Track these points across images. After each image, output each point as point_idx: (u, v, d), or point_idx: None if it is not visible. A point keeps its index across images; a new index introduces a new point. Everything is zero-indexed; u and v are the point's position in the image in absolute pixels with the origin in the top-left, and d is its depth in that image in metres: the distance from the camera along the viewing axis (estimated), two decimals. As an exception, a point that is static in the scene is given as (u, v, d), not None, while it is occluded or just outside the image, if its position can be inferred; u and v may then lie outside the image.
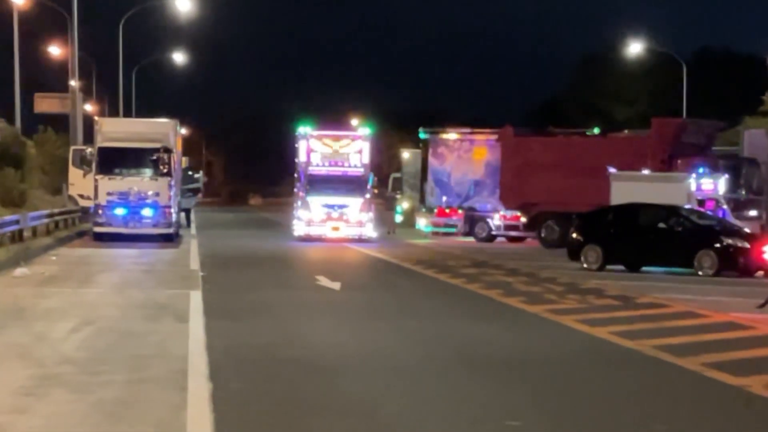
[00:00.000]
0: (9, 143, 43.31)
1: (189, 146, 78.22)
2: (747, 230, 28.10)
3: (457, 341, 15.14)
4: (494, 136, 40.13)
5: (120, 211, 35.55)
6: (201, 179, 55.59)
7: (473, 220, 40.76)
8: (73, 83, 52.73)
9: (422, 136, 42.64)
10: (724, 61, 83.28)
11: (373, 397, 11.29)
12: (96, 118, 44.64)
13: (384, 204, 47.94)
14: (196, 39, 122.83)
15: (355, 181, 38.34)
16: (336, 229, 37.99)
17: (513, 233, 40.14)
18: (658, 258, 27.22)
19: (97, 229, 35.91)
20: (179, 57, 76.91)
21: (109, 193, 35.56)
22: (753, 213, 33.10)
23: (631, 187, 31.63)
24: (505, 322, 17.40)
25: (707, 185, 32.25)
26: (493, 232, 40.43)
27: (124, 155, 35.88)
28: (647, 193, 29.96)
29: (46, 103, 59.76)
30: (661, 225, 27.40)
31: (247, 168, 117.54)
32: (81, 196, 41.64)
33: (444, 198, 41.22)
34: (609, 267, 27.24)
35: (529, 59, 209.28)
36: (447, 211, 41.28)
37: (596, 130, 41.72)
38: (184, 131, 57.88)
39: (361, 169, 38.58)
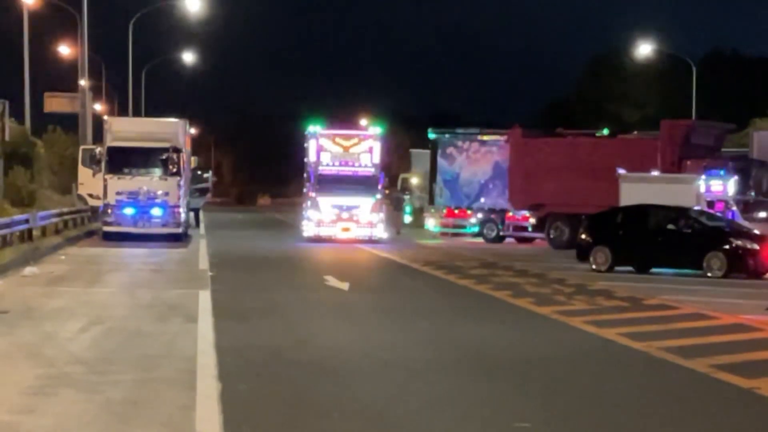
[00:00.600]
0: (18, 143, 43.24)
1: (198, 146, 78.35)
2: (756, 232, 27.99)
3: (466, 342, 15.13)
4: (503, 137, 40.08)
5: (129, 211, 35.55)
6: (210, 179, 55.61)
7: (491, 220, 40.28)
8: (83, 83, 52.78)
9: (431, 136, 42.51)
10: (734, 64, 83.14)
11: (382, 398, 11.29)
12: (105, 117, 44.64)
13: (391, 204, 47.81)
14: (206, 39, 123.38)
15: (365, 181, 37.73)
16: (346, 229, 37.47)
17: (522, 234, 40.07)
18: (667, 259, 27.15)
19: (107, 229, 35.88)
20: (189, 57, 77.04)
21: (118, 193, 35.55)
22: (762, 214, 32.95)
23: (640, 189, 31.55)
24: (515, 324, 17.39)
25: (716, 187, 32.16)
26: (502, 233, 40.34)
27: (134, 155, 35.87)
28: (656, 194, 29.89)
29: (55, 103, 59.71)
30: (671, 226, 27.33)
31: (256, 168, 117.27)
32: (90, 195, 41.72)
33: (454, 197, 41.07)
34: (618, 268, 27.19)
35: (539, 61, 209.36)
36: (456, 211, 41.23)
37: (605, 132, 41.66)
38: (193, 131, 57.97)
39: (372, 169, 38.01)
